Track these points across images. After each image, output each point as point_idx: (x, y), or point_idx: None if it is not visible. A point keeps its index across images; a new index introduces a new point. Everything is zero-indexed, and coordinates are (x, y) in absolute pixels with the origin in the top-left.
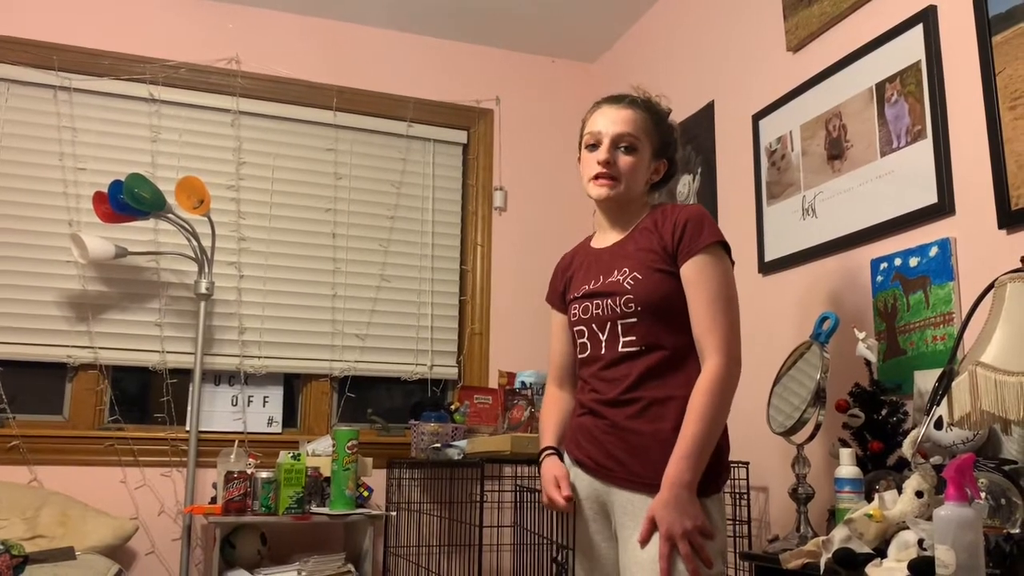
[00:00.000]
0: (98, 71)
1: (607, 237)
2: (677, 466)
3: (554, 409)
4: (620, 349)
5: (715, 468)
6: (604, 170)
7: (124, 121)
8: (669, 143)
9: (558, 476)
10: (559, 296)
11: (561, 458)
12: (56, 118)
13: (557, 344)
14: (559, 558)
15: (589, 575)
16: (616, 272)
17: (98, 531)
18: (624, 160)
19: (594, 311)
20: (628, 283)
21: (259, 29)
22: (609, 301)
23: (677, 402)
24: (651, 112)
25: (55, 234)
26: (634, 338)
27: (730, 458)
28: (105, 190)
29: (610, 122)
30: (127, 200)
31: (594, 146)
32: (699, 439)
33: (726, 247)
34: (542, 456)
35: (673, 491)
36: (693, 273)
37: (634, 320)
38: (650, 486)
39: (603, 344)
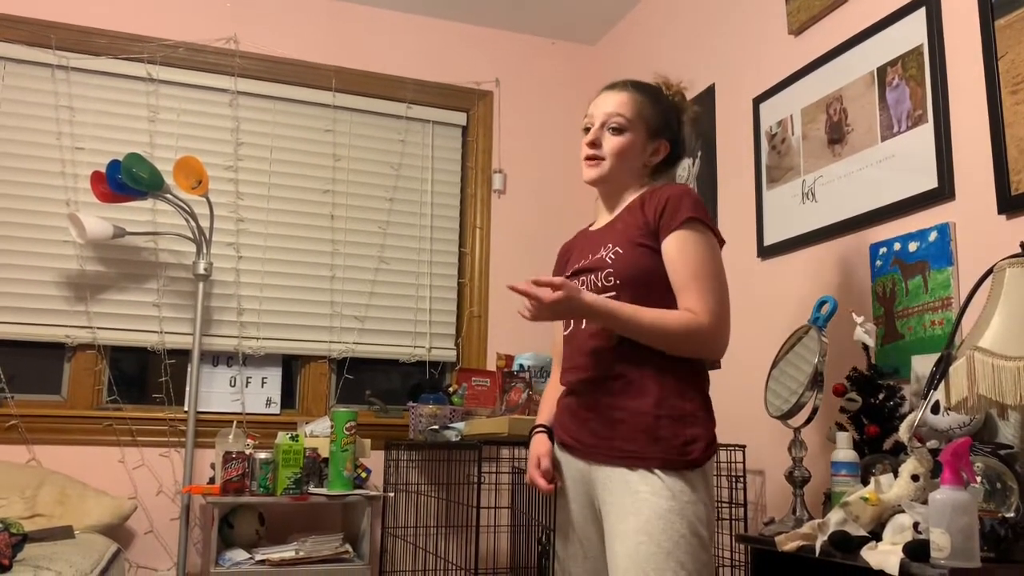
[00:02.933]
0: (96, 50)
1: (602, 220)
2: (599, 300)
3: (554, 390)
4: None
5: (703, 439)
6: (590, 151)
7: (122, 100)
8: (668, 123)
9: (540, 455)
10: None
11: (551, 436)
12: (54, 97)
13: (560, 329)
14: (543, 539)
15: (569, 555)
16: (602, 248)
17: (97, 510)
18: (611, 141)
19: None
20: (610, 257)
21: (257, 8)
22: (592, 276)
23: (656, 378)
24: (647, 93)
25: (53, 214)
26: None
27: (727, 441)
28: (103, 170)
29: (601, 105)
30: (125, 180)
31: (588, 130)
32: (630, 317)
33: (710, 224)
34: (532, 433)
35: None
36: (673, 248)
37: (613, 293)
38: (629, 459)
39: (583, 319)
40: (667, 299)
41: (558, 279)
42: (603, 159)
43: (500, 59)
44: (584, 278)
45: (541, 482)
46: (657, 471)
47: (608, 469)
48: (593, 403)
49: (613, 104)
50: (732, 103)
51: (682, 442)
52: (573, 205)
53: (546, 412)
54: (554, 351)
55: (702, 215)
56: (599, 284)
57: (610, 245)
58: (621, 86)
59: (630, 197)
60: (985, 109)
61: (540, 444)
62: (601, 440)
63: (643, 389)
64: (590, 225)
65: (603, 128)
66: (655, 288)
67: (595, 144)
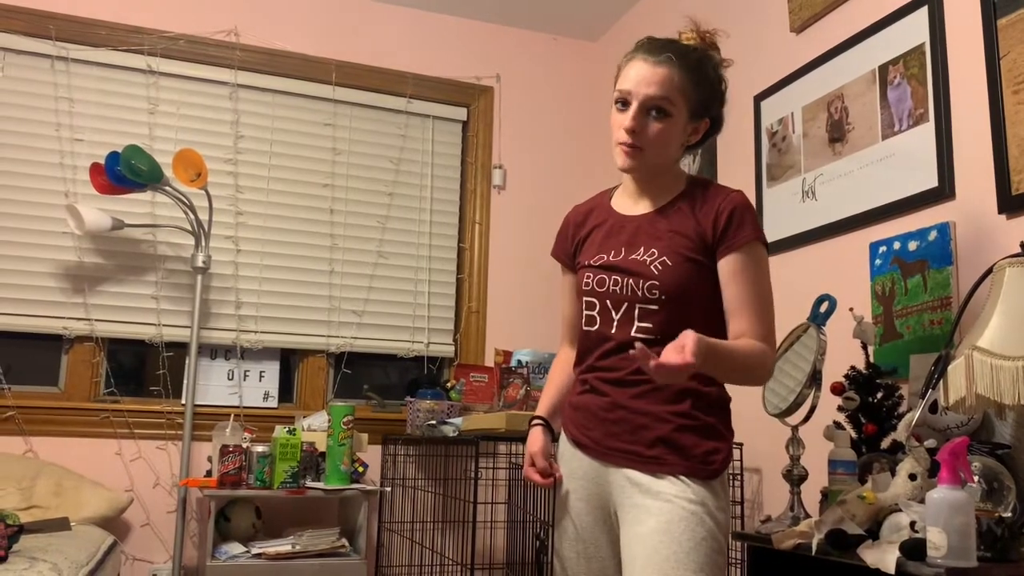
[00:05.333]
0: (95, 41)
1: (634, 204)
2: (716, 348)
3: (560, 372)
4: (633, 334)
5: (723, 452)
6: (628, 139)
7: (122, 92)
8: (712, 101)
9: (533, 453)
10: (569, 254)
11: (550, 429)
12: (53, 88)
13: (570, 305)
14: (542, 535)
15: (568, 553)
16: (643, 250)
17: (93, 502)
18: (654, 128)
19: (611, 287)
20: (656, 267)
21: (258, 1)
22: (630, 281)
23: (686, 388)
24: (692, 67)
25: (51, 205)
26: (651, 326)
27: None
28: (102, 161)
29: (642, 82)
30: (124, 172)
31: (624, 103)
32: (732, 361)
33: (765, 241)
34: (531, 424)
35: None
36: (735, 270)
37: (655, 308)
38: (649, 463)
39: (614, 324)
40: (706, 316)
41: (689, 344)
42: (643, 148)
43: (501, 55)
44: (619, 278)
45: (536, 477)
46: (683, 476)
47: (626, 471)
48: (613, 404)
49: (656, 83)
50: (733, 100)
51: (704, 451)
52: (573, 201)
53: (547, 400)
54: (564, 327)
55: (762, 234)
56: (639, 294)
57: (655, 251)
58: (665, 60)
59: (671, 186)
60: (986, 108)
61: (535, 442)
62: (620, 442)
63: (671, 397)
64: (609, 195)
65: (643, 112)
66: (696, 305)
67: (635, 131)
